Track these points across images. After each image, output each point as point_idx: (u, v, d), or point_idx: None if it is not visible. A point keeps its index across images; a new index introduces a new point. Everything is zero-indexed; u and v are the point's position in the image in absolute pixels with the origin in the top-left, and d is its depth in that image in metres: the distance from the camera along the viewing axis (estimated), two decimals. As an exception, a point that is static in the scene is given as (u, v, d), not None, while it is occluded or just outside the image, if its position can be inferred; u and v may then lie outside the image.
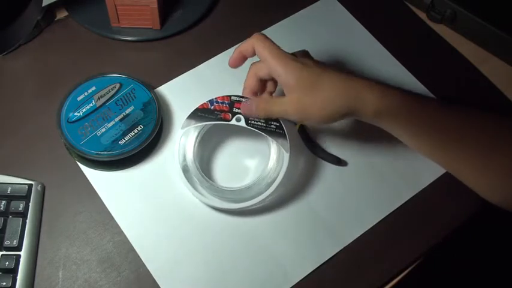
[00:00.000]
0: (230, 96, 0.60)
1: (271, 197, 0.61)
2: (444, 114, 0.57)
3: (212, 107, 0.60)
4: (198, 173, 0.61)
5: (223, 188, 0.62)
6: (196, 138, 0.63)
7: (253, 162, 0.66)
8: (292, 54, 0.61)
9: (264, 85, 0.60)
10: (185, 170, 0.61)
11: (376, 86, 0.55)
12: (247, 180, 0.63)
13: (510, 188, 0.58)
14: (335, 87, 0.55)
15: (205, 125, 0.62)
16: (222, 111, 0.59)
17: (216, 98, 0.60)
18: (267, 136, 0.60)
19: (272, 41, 0.58)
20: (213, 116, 0.60)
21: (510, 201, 0.58)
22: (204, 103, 0.60)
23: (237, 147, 0.66)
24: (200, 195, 0.61)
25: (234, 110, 0.59)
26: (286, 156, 0.60)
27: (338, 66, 0.73)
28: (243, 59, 0.60)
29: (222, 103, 0.60)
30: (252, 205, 0.60)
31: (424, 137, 0.58)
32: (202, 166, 0.63)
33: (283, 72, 0.55)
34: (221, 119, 0.60)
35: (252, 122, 0.60)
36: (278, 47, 0.57)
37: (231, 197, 0.61)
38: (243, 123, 0.59)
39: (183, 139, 0.62)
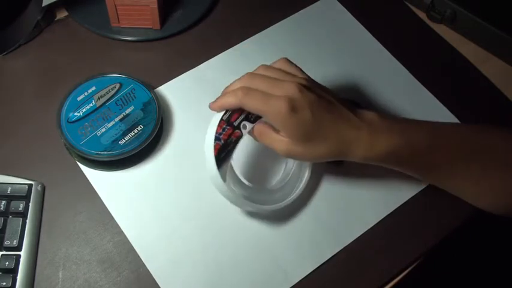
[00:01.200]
0: (221, 119, 0.57)
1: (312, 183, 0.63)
2: (434, 147, 0.57)
3: (222, 142, 0.57)
4: (247, 190, 0.61)
5: (268, 190, 0.62)
6: (233, 166, 0.61)
7: (277, 159, 0.66)
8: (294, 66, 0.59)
9: None
10: (234, 193, 0.59)
11: (365, 137, 0.55)
12: (277, 178, 0.64)
13: (502, 199, 0.59)
14: (325, 142, 0.55)
15: (233, 155, 0.59)
16: (230, 135, 0.57)
17: (216, 133, 0.57)
18: None
19: (258, 91, 0.55)
20: (231, 145, 0.57)
21: (503, 211, 0.60)
22: (215, 146, 0.56)
23: (256, 149, 0.66)
24: (260, 207, 0.60)
25: (234, 123, 0.57)
26: None
27: (337, 67, 0.73)
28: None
29: (224, 129, 0.57)
30: (296, 197, 0.61)
31: (414, 173, 0.60)
32: (243, 175, 0.62)
33: (279, 126, 0.55)
34: (238, 140, 0.57)
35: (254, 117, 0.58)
36: (266, 94, 0.54)
37: (273, 198, 0.61)
38: (250, 125, 0.57)
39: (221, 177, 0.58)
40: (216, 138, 0.56)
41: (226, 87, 0.58)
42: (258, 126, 0.57)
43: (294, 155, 0.56)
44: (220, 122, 0.56)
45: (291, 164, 0.64)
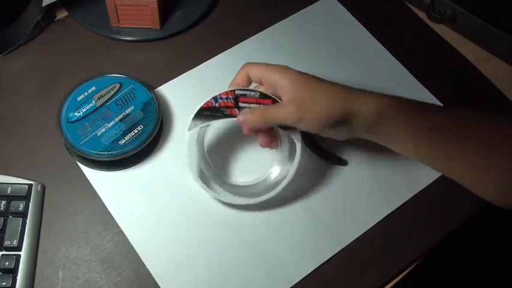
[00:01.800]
0: (234, 90, 0.58)
1: (289, 186, 0.61)
2: (442, 115, 0.57)
3: (217, 104, 0.58)
4: (212, 172, 0.60)
5: (240, 184, 0.62)
6: (204, 137, 0.62)
7: (265, 155, 0.65)
8: None
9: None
10: (200, 172, 0.60)
11: (373, 93, 0.56)
12: (260, 173, 0.63)
13: (509, 187, 0.58)
14: (332, 89, 0.56)
15: (213, 123, 0.59)
16: (227, 107, 0.58)
17: (219, 94, 0.58)
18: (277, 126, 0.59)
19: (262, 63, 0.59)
20: (220, 113, 0.58)
21: (509, 201, 0.59)
22: (209, 101, 0.58)
23: (246, 141, 0.66)
24: (217, 194, 0.60)
25: (240, 104, 0.58)
26: (298, 145, 0.59)
27: (337, 67, 0.73)
28: None
29: (227, 99, 0.58)
30: (272, 197, 0.60)
31: (423, 139, 0.57)
32: (215, 164, 0.62)
33: (279, 77, 0.56)
34: (228, 116, 0.58)
35: None
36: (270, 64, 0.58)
37: (248, 192, 0.61)
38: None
39: (190, 140, 0.60)
40: (214, 98, 0.58)
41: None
42: (258, 108, 0.57)
43: (301, 109, 0.55)
44: (231, 91, 0.58)
45: (268, 171, 0.63)
